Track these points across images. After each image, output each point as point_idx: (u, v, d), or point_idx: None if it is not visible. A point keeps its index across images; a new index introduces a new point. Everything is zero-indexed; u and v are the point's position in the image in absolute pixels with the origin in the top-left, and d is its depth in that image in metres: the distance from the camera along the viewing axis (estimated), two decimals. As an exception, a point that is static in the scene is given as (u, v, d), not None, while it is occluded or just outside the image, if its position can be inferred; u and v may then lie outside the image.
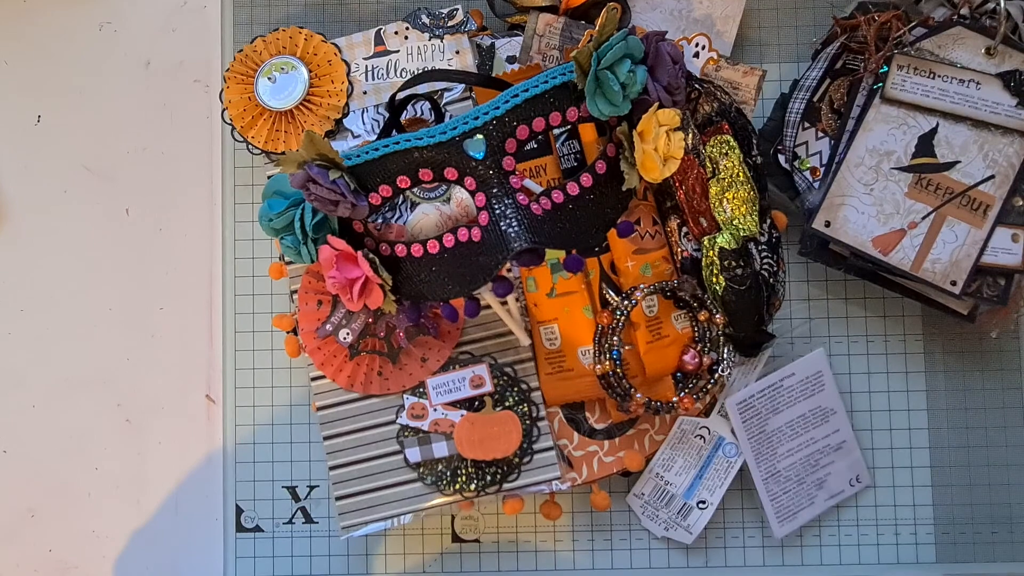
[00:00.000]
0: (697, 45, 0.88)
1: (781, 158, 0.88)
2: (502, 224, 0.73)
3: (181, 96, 0.94)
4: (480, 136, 0.73)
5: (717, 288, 0.83)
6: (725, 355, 0.84)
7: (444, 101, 0.87)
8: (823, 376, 0.88)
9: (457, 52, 0.87)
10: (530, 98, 0.74)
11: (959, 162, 0.84)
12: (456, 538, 0.91)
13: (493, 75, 0.87)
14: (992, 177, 0.84)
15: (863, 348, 0.90)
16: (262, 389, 0.92)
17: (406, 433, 0.85)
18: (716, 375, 0.84)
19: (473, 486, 0.84)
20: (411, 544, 0.91)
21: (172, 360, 0.93)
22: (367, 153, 0.75)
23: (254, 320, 0.92)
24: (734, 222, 0.83)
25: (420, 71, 0.87)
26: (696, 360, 0.84)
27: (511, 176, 0.74)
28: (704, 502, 0.87)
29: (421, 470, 0.84)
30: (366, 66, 0.88)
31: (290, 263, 0.86)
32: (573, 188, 0.76)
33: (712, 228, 0.84)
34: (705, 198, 0.83)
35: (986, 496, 0.90)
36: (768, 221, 0.85)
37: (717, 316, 0.83)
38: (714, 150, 0.84)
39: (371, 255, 0.77)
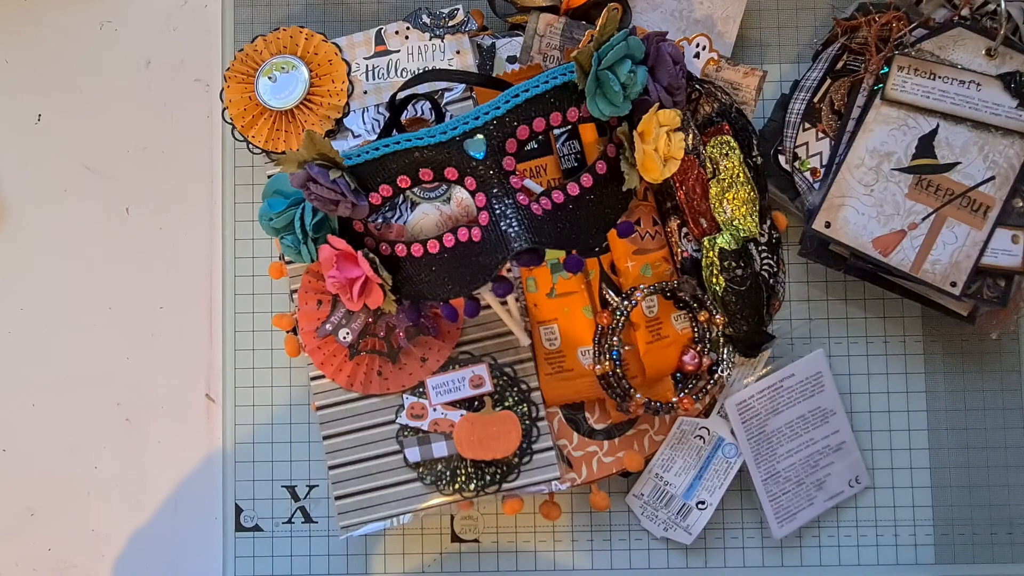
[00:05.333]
0: (698, 46, 0.88)
1: (781, 159, 0.88)
2: (502, 224, 0.73)
3: (181, 95, 0.94)
4: (480, 136, 0.73)
5: (717, 289, 0.83)
6: (725, 356, 0.84)
7: (444, 101, 0.87)
8: (823, 377, 0.88)
9: (458, 52, 0.87)
10: (531, 98, 0.74)
11: (959, 163, 0.84)
12: (455, 538, 0.91)
13: (494, 75, 0.87)
14: (992, 178, 0.84)
15: (863, 349, 0.90)
16: (262, 389, 0.92)
17: (406, 433, 0.85)
18: (716, 376, 0.84)
19: (472, 486, 0.84)
20: (410, 544, 0.91)
21: (172, 359, 0.93)
22: (367, 153, 0.75)
23: (254, 320, 0.92)
24: (734, 223, 0.83)
25: (421, 71, 0.87)
26: (696, 361, 0.84)
27: (511, 176, 0.74)
28: (703, 503, 0.87)
29: (420, 470, 0.84)
30: (367, 66, 0.88)
31: (290, 263, 0.86)
32: (573, 188, 0.76)
33: (712, 229, 0.84)
34: (705, 199, 0.83)
35: (985, 497, 0.90)
36: (768, 222, 0.85)
37: (717, 317, 0.83)
38: (714, 151, 0.84)
39: (371, 255, 0.77)
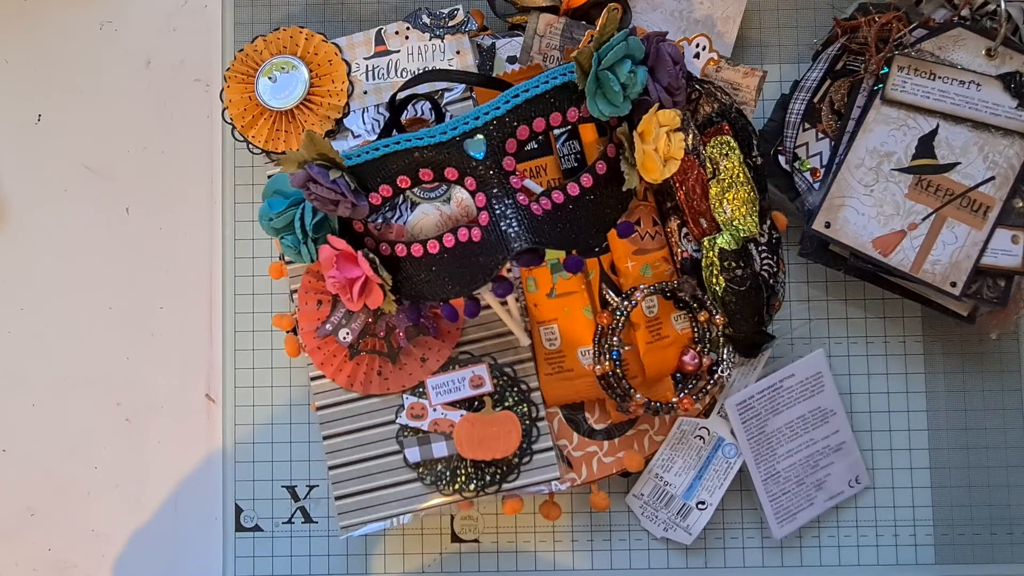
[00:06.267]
0: (698, 46, 0.88)
1: (781, 159, 0.88)
2: (502, 224, 0.73)
3: (181, 95, 0.94)
4: (480, 136, 0.73)
5: (717, 289, 0.83)
6: (725, 356, 0.84)
7: (444, 101, 0.87)
8: (823, 377, 0.88)
9: (458, 52, 0.87)
10: (531, 98, 0.74)
11: (959, 163, 0.84)
12: (455, 538, 0.91)
13: (494, 75, 0.87)
14: (992, 178, 0.84)
15: (863, 349, 0.90)
16: (262, 389, 0.92)
17: (406, 433, 0.85)
18: (716, 376, 0.84)
19: (472, 486, 0.84)
20: (410, 544, 0.91)
21: (172, 360, 0.93)
22: (367, 153, 0.75)
23: (254, 320, 0.92)
24: (734, 223, 0.83)
25: (421, 71, 0.87)
26: (696, 361, 0.84)
27: (511, 176, 0.74)
28: (703, 503, 0.87)
29: (420, 470, 0.84)
30: (367, 66, 0.88)
31: (290, 263, 0.86)
32: (573, 188, 0.76)
33: (712, 229, 0.84)
34: (705, 199, 0.83)
35: (985, 497, 0.90)
36: (768, 222, 0.85)
37: (717, 317, 0.83)
38: (714, 151, 0.84)
39: (371, 255, 0.77)
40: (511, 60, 0.88)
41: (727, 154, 0.84)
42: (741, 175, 0.83)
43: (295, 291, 0.86)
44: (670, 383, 0.85)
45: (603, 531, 0.90)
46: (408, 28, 0.88)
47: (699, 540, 0.88)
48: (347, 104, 0.87)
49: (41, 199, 0.94)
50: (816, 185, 0.87)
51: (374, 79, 0.88)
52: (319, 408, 0.86)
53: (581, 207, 0.76)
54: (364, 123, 0.88)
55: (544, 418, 0.85)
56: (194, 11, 0.95)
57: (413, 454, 0.84)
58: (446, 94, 0.87)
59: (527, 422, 0.84)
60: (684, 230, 0.84)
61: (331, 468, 0.85)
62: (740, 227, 0.83)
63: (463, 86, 0.87)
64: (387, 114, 0.86)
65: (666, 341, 0.84)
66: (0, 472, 0.93)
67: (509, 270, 0.84)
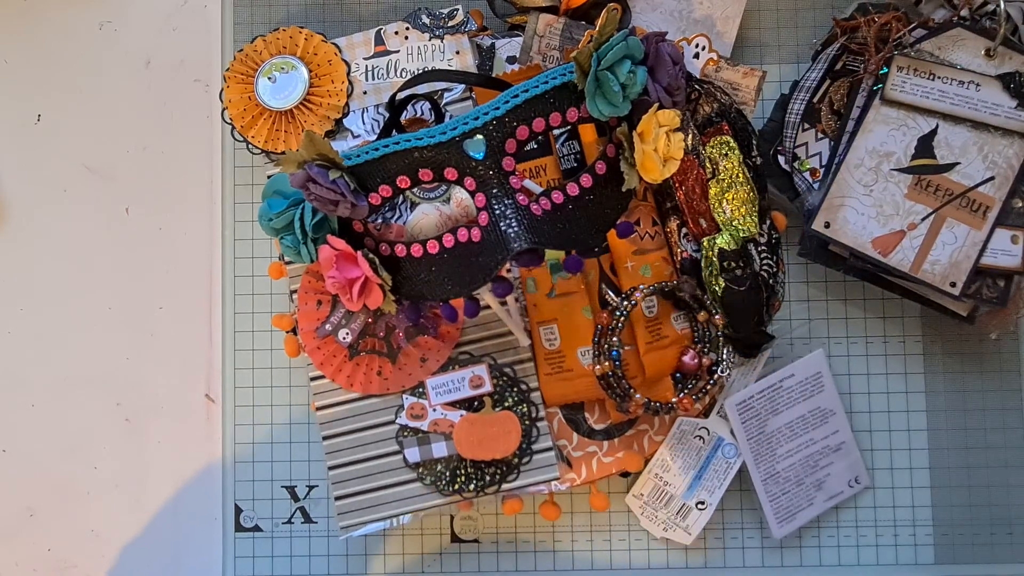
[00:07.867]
0: (697, 46, 0.88)
1: (781, 159, 0.88)
2: (502, 224, 0.73)
3: (181, 95, 0.94)
4: (480, 136, 0.73)
5: (716, 289, 0.83)
6: (724, 356, 0.84)
7: (444, 101, 0.87)
8: (822, 377, 0.88)
9: (457, 52, 0.87)
10: (530, 98, 0.74)
11: (959, 163, 0.84)
12: (455, 538, 0.91)
13: (493, 75, 0.87)
14: (992, 179, 0.84)
15: (862, 349, 0.90)
16: (262, 389, 0.92)
17: (405, 433, 0.85)
18: (715, 376, 0.84)
19: (472, 486, 0.84)
20: (410, 544, 0.91)
21: (171, 360, 0.93)
22: (367, 153, 0.75)
23: (254, 320, 0.92)
24: (734, 223, 0.83)
25: (420, 71, 0.87)
26: (695, 361, 0.84)
27: (511, 176, 0.74)
28: (703, 503, 0.87)
29: (420, 470, 0.84)
30: (366, 66, 0.88)
31: (290, 263, 0.87)
32: (573, 189, 0.76)
33: (712, 229, 0.84)
34: (705, 199, 0.84)
35: (985, 497, 0.90)
36: (768, 222, 0.85)
37: (716, 317, 0.83)
38: (714, 151, 0.84)
39: (371, 255, 0.77)
40: (511, 60, 0.88)
41: (727, 154, 0.84)
42: (741, 175, 0.83)
43: (295, 291, 0.86)
44: (670, 383, 0.85)
45: (603, 531, 0.90)
46: (408, 28, 0.88)
47: (699, 540, 0.88)
48: (347, 104, 0.87)
49: (41, 199, 0.94)
50: (816, 185, 0.87)
51: (374, 79, 0.88)
52: (319, 408, 0.86)
53: (581, 207, 0.76)
54: (364, 123, 0.88)
55: (544, 418, 0.85)
56: (194, 11, 0.95)
57: (413, 454, 0.84)
58: (446, 94, 0.87)
59: (527, 422, 0.84)
60: (684, 230, 0.84)
61: (331, 468, 0.85)
62: (740, 227, 0.83)
63: (463, 86, 0.87)
64: (387, 114, 0.86)
65: (666, 341, 0.84)
66: (0, 472, 0.93)
67: (509, 270, 0.84)
